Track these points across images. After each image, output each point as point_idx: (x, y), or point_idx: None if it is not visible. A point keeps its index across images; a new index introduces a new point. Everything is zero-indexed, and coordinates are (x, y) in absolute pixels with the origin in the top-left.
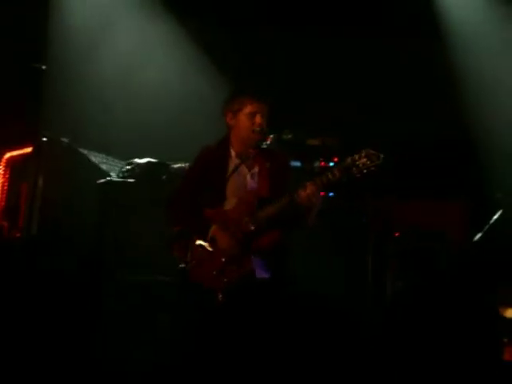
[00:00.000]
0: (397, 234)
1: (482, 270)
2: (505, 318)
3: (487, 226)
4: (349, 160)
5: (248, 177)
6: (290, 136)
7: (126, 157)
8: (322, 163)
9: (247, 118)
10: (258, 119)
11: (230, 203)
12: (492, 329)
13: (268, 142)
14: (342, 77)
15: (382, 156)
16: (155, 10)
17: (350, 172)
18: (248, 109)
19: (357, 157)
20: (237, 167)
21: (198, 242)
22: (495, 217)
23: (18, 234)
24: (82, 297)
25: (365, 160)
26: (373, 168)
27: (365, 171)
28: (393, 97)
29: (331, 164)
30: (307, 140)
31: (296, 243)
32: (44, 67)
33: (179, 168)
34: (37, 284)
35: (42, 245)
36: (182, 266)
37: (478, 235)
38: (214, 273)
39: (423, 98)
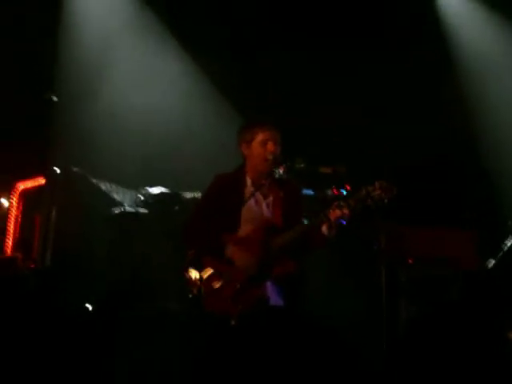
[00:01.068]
0: (410, 261)
1: (494, 297)
2: None
3: (500, 253)
4: (363, 191)
5: (263, 205)
6: (302, 165)
7: (136, 186)
8: (335, 191)
9: (260, 146)
10: (270, 147)
11: (245, 230)
12: (503, 355)
13: (281, 171)
14: (352, 102)
15: (395, 188)
16: (161, 39)
17: (365, 203)
18: (260, 137)
19: (371, 189)
20: (252, 195)
21: (213, 268)
22: (508, 244)
23: (32, 265)
24: (96, 328)
25: (379, 192)
26: (386, 200)
27: (379, 203)
28: (405, 122)
29: (344, 192)
30: (319, 168)
31: (310, 270)
32: (55, 98)
33: (192, 197)
34: (50, 316)
35: (55, 276)
36: (191, 296)
37: (492, 262)
38: (229, 300)
39: (435, 123)
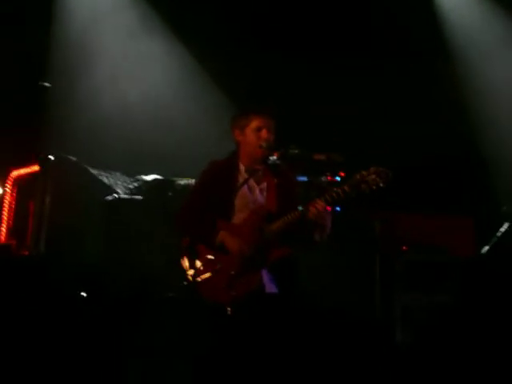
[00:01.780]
0: (404, 248)
1: (489, 284)
2: None
3: (494, 239)
4: (358, 176)
5: (257, 191)
6: (296, 151)
7: (132, 174)
8: (329, 178)
9: (253, 133)
10: (263, 134)
11: (239, 217)
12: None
13: (275, 157)
14: (349, 94)
15: (390, 173)
16: (156, 30)
17: (359, 188)
18: (254, 124)
19: (365, 173)
20: (245, 181)
21: (208, 256)
22: (502, 230)
23: (26, 253)
24: (89, 315)
25: (374, 176)
26: (381, 185)
27: (374, 187)
28: (398, 113)
29: (338, 178)
30: (313, 155)
31: (304, 258)
32: (49, 85)
33: (186, 184)
34: (44, 303)
35: (49, 263)
36: (186, 283)
37: (485, 248)
38: (223, 286)
39: (428, 113)
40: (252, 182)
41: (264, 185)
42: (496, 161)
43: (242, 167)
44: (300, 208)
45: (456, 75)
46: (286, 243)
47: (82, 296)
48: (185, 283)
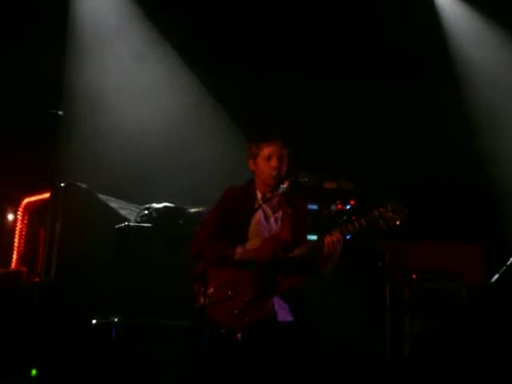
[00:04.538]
0: (414, 277)
1: (498, 312)
2: None
3: (504, 268)
4: (376, 213)
5: (272, 220)
6: (306, 179)
7: (142, 202)
8: (339, 206)
9: (264, 162)
10: (273, 162)
11: (252, 244)
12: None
13: (285, 186)
14: (358, 120)
15: (406, 210)
16: (163, 53)
17: (376, 224)
18: (264, 152)
19: (383, 210)
20: (257, 209)
21: (220, 282)
22: None
23: (37, 279)
24: (98, 341)
25: (391, 214)
26: (398, 222)
27: (391, 224)
28: (410, 140)
29: (348, 207)
30: (323, 183)
31: (313, 286)
32: (61, 113)
33: (196, 212)
34: (55, 330)
35: (60, 290)
36: (198, 306)
37: (495, 277)
38: (235, 311)
39: (440, 141)
40: (268, 210)
41: (279, 214)
42: (507, 188)
43: (259, 195)
44: (316, 239)
45: (465, 103)
46: (296, 272)
47: (93, 322)
48: (196, 307)
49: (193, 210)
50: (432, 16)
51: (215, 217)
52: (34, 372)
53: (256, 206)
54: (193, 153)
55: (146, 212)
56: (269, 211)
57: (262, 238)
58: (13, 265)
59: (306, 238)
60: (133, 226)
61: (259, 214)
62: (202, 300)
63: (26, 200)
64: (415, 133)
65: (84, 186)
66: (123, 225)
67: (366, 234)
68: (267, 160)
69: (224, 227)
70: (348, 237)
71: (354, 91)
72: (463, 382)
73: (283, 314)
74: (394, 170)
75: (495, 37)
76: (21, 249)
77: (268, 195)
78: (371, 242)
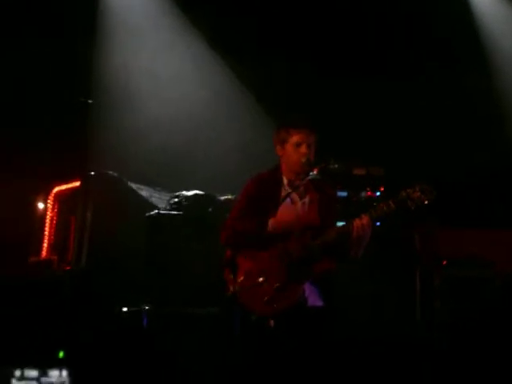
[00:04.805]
0: (444, 263)
1: None
2: None
3: None
4: (403, 193)
5: (299, 205)
6: (336, 166)
7: (173, 190)
8: (369, 193)
9: (293, 149)
10: (303, 149)
11: (281, 230)
12: None
13: (315, 173)
14: (389, 108)
15: (435, 191)
16: (195, 44)
17: (404, 205)
18: (294, 139)
19: (411, 190)
20: (288, 195)
21: (251, 268)
22: None
23: (68, 268)
24: (129, 329)
25: (419, 194)
26: (426, 202)
27: (419, 204)
28: (440, 127)
29: (377, 193)
30: (353, 170)
31: (344, 272)
32: (91, 101)
33: (226, 200)
34: (85, 318)
35: (91, 278)
36: (229, 293)
37: None
38: (266, 298)
39: (470, 128)
40: (295, 195)
41: (306, 199)
42: None
43: (285, 181)
44: (344, 223)
45: (495, 88)
46: (327, 257)
47: (124, 311)
48: (227, 294)
49: (222, 198)
50: (463, 4)
51: (243, 204)
52: (61, 354)
53: (283, 191)
54: (222, 141)
55: (176, 200)
56: (296, 197)
57: (289, 224)
58: (44, 253)
59: (335, 223)
60: (163, 214)
61: (287, 200)
62: (232, 287)
63: (57, 189)
64: (445, 119)
65: (114, 174)
66: (153, 213)
67: (396, 219)
68: (296, 146)
69: (252, 214)
70: (378, 223)
71: (387, 81)
72: (491, 373)
73: (314, 299)
74: (425, 157)
75: None
76: (51, 237)
77: (297, 181)
78: (402, 227)
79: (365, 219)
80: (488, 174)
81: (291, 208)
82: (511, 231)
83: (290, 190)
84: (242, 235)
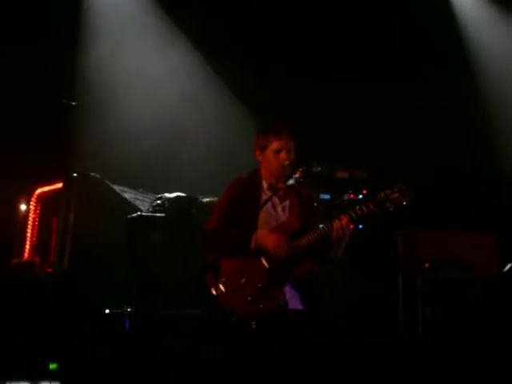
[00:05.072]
0: (426, 265)
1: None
2: None
3: None
4: (382, 195)
5: (279, 209)
6: (318, 169)
7: (156, 191)
8: (352, 195)
9: (273, 155)
10: (282, 155)
11: (261, 233)
12: None
13: (297, 176)
14: (372, 110)
15: (413, 191)
16: (182, 44)
17: (383, 206)
18: (274, 146)
19: (389, 192)
20: (268, 199)
21: (232, 270)
22: None
23: (50, 269)
24: (113, 333)
25: (397, 195)
26: (405, 203)
27: (398, 205)
28: (423, 130)
29: (360, 196)
30: (336, 173)
31: (325, 274)
32: (74, 103)
33: (209, 202)
34: (67, 320)
35: (72, 280)
36: (214, 293)
37: (508, 266)
38: (249, 298)
39: (452, 130)
40: (275, 199)
41: (286, 203)
42: None
43: (265, 184)
44: (323, 225)
45: (479, 92)
46: (306, 258)
47: (105, 313)
48: (209, 296)
49: (205, 200)
50: (448, 8)
51: (226, 205)
52: (52, 366)
53: (263, 195)
54: (205, 143)
55: (158, 202)
56: (276, 200)
57: (270, 227)
58: (26, 255)
59: (316, 225)
60: (145, 216)
61: (268, 204)
62: (214, 289)
63: (39, 190)
64: (429, 122)
65: (97, 175)
66: (135, 215)
67: (378, 222)
68: (276, 153)
69: (233, 217)
70: (360, 226)
71: (370, 83)
72: (473, 373)
73: (294, 302)
74: (408, 160)
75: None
76: (33, 239)
77: (278, 185)
78: (383, 230)
79: (344, 220)
80: (471, 177)
81: (272, 212)
82: (491, 235)
83: (270, 194)
84: (223, 237)
